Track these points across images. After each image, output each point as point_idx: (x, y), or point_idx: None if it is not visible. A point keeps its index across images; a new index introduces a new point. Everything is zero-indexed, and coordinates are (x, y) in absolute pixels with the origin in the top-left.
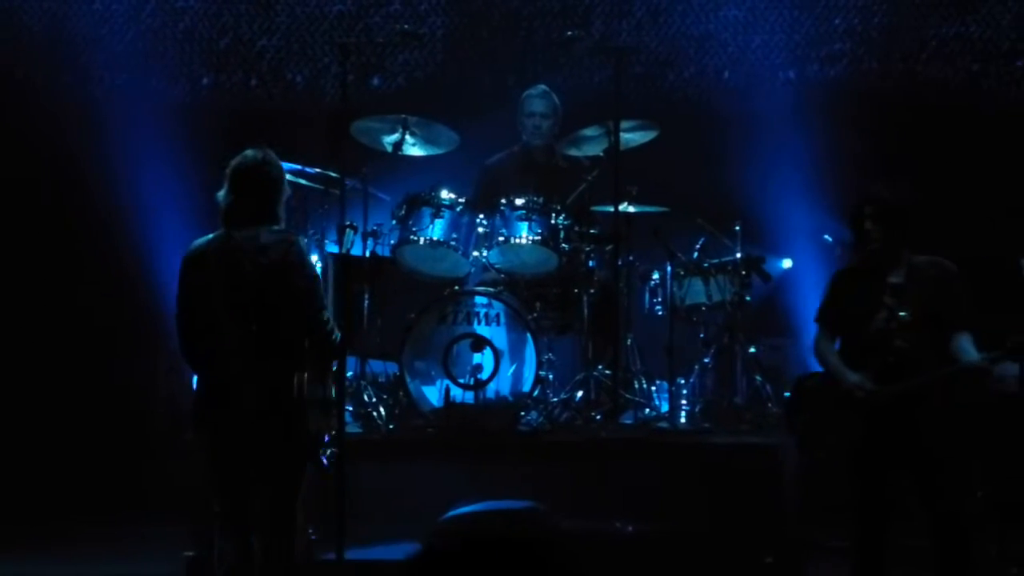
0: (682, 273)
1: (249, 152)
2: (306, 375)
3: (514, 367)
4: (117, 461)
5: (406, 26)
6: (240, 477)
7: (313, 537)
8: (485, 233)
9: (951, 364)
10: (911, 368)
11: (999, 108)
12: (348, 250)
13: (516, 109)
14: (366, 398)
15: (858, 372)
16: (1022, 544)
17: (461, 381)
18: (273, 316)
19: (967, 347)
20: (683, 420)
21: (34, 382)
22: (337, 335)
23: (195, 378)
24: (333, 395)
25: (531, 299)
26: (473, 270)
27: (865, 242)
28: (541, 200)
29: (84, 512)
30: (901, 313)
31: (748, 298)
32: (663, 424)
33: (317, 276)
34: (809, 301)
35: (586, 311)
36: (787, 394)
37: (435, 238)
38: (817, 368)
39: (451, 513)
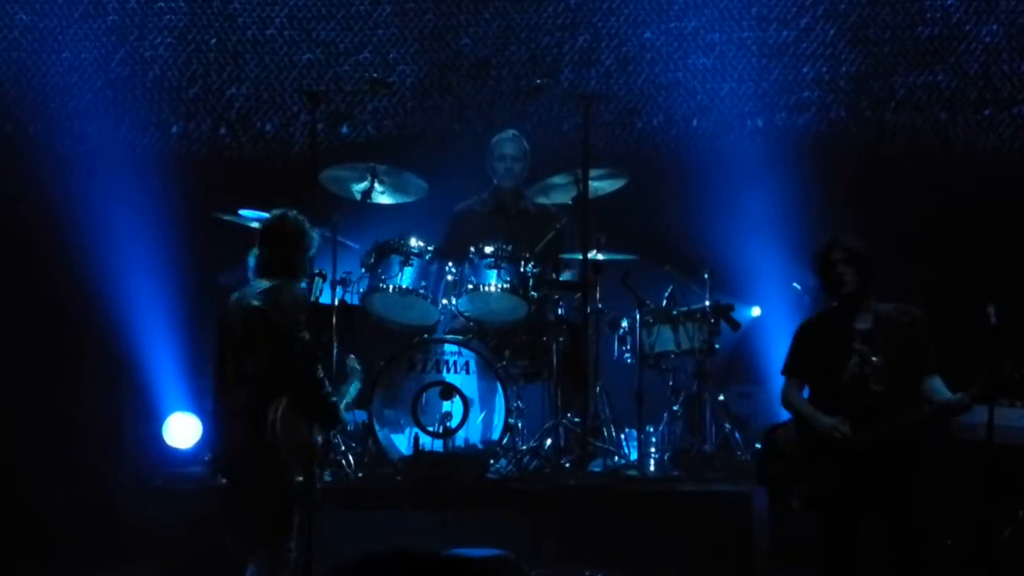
0: (651, 321)
1: (275, 211)
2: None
3: (483, 415)
4: (85, 505)
5: (375, 75)
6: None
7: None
8: (454, 281)
9: (926, 406)
10: (886, 412)
11: (967, 157)
12: (317, 298)
13: (486, 154)
14: (335, 446)
15: (832, 417)
16: None
17: (430, 429)
18: (252, 355)
19: (940, 388)
20: (652, 468)
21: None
22: (331, 398)
23: None
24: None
25: (500, 347)
26: (442, 318)
27: (837, 285)
28: (510, 248)
29: (51, 557)
30: (873, 358)
31: (717, 346)
32: (632, 472)
33: (301, 322)
34: (778, 349)
35: (555, 359)
36: (758, 445)
37: (404, 286)
38: (785, 417)
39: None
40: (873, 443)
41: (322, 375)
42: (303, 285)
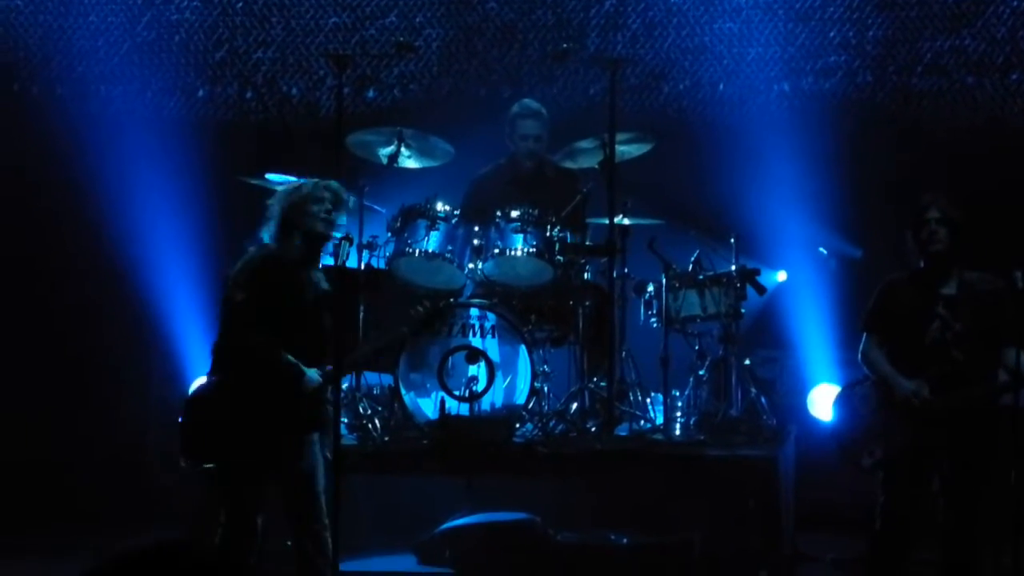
0: (677, 285)
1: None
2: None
3: (509, 379)
4: (112, 469)
5: (401, 39)
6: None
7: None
8: (480, 245)
9: (1006, 376)
10: (966, 378)
11: (994, 121)
12: (344, 262)
13: (507, 123)
14: (361, 410)
15: (912, 380)
16: None
17: (456, 393)
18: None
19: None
20: (678, 432)
21: (22, 390)
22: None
23: None
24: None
25: (526, 311)
26: (468, 282)
27: (928, 243)
28: (536, 212)
29: (78, 521)
30: (956, 324)
31: (743, 310)
32: (658, 436)
33: (238, 284)
34: (804, 313)
35: (581, 323)
36: (834, 400)
37: (431, 250)
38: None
39: (447, 525)
40: (951, 409)
41: (256, 342)
42: (271, 248)
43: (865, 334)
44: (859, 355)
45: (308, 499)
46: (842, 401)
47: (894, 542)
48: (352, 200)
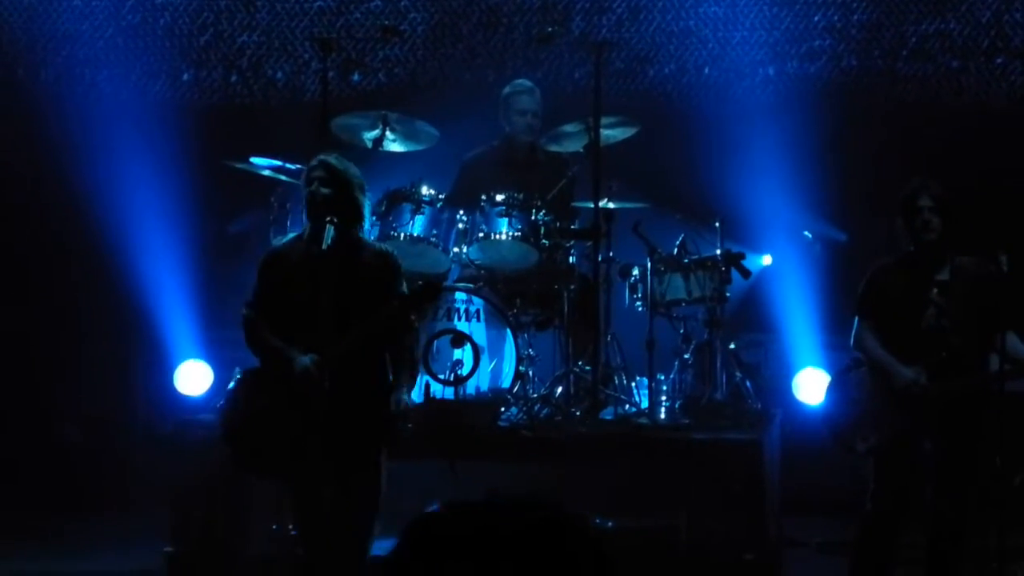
0: (662, 269)
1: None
2: None
3: (494, 363)
4: (96, 454)
5: (386, 22)
6: None
7: (293, 532)
8: (465, 229)
9: (1004, 363)
10: (963, 364)
11: (979, 105)
12: (328, 246)
13: (502, 104)
14: None
15: (909, 367)
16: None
17: (441, 377)
18: None
19: (1018, 344)
20: (663, 416)
21: (10, 374)
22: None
23: None
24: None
25: (511, 295)
26: (453, 266)
27: (921, 232)
28: (521, 196)
29: (63, 506)
30: (953, 310)
31: (728, 294)
32: (643, 420)
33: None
34: (789, 297)
35: (566, 307)
36: (827, 385)
37: (415, 234)
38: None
39: (432, 509)
40: (948, 396)
41: (244, 321)
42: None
43: (857, 319)
44: (852, 341)
45: (338, 532)
46: (835, 386)
47: (885, 526)
48: (357, 174)
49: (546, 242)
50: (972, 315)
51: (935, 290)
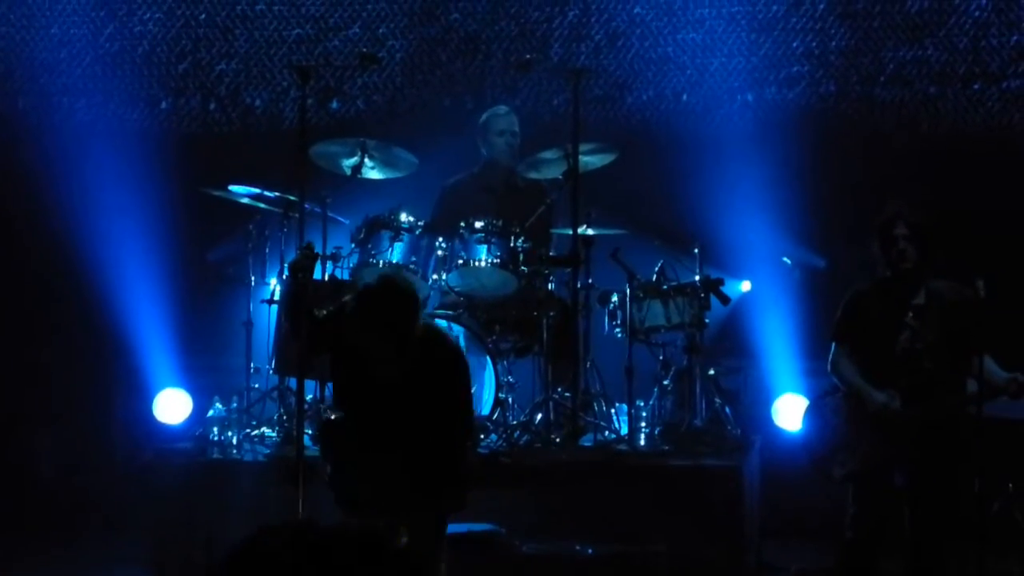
0: (641, 295)
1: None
2: None
3: (473, 390)
4: (75, 482)
5: (365, 50)
6: None
7: None
8: (444, 256)
9: (978, 386)
10: (938, 389)
11: (956, 131)
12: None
13: (479, 129)
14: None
15: (883, 391)
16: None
17: None
18: None
19: (993, 368)
20: (642, 442)
21: None
22: None
23: None
24: None
25: (490, 322)
26: (432, 293)
27: (897, 261)
28: (500, 223)
29: (41, 535)
30: (927, 334)
31: (707, 320)
32: (622, 447)
33: None
34: (768, 323)
35: (545, 334)
36: (805, 412)
37: (394, 261)
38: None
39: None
40: (922, 420)
41: None
42: None
43: (834, 344)
44: (828, 366)
45: None
46: (812, 412)
47: (864, 553)
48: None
49: (525, 269)
50: (946, 339)
51: (910, 314)
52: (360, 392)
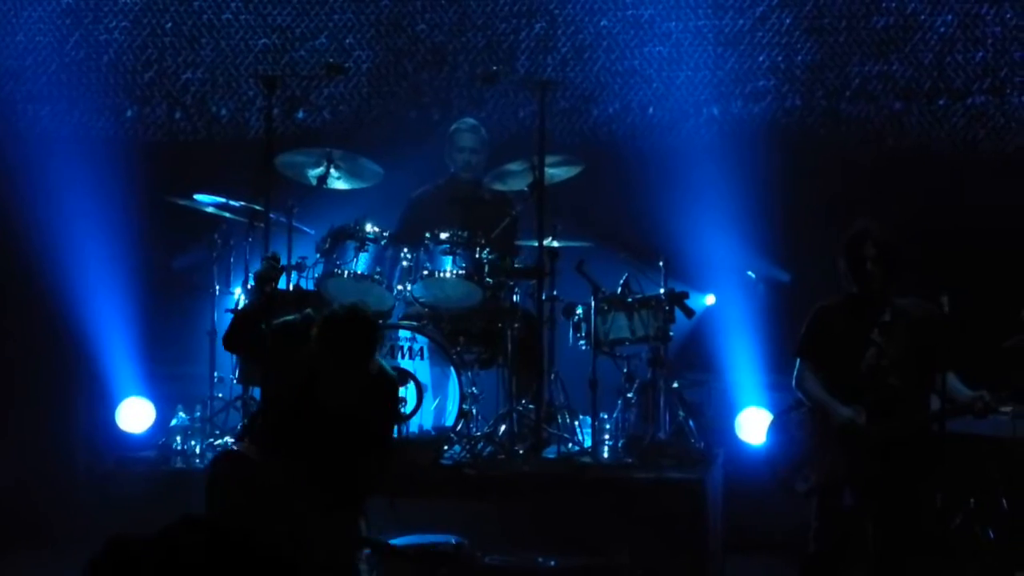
0: (606, 308)
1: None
2: None
3: (437, 401)
4: (36, 491)
5: (331, 60)
6: None
7: None
8: (409, 267)
9: (943, 403)
10: (903, 406)
11: (921, 147)
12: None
13: (445, 142)
14: None
15: (848, 407)
16: None
17: None
18: None
19: (958, 385)
20: (606, 455)
21: None
22: None
23: None
24: None
25: (455, 333)
26: (397, 304)
27: (864, 281)
28: (466, 234)
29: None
30: (892, 351)
31: (671, 333)
32: (586, 459)
33: None
34: (732, 337)
35: (510, 345)
36: (769, 426)
37: (359, 271)
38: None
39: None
40: (887, 436)
41: None
42: None
43: (799, 360)
44: (793, 381)
45: None
46: (776, 426)
47: (826, 567)
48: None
49: (490, 280)
50: (911, 356)
51: (876, 331)
52: (296, 406)
